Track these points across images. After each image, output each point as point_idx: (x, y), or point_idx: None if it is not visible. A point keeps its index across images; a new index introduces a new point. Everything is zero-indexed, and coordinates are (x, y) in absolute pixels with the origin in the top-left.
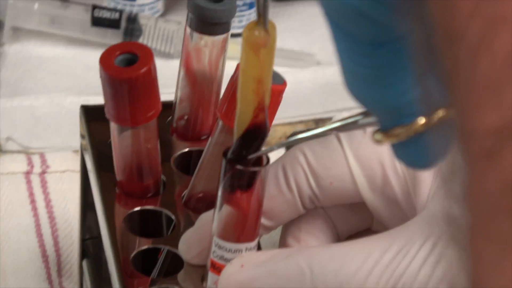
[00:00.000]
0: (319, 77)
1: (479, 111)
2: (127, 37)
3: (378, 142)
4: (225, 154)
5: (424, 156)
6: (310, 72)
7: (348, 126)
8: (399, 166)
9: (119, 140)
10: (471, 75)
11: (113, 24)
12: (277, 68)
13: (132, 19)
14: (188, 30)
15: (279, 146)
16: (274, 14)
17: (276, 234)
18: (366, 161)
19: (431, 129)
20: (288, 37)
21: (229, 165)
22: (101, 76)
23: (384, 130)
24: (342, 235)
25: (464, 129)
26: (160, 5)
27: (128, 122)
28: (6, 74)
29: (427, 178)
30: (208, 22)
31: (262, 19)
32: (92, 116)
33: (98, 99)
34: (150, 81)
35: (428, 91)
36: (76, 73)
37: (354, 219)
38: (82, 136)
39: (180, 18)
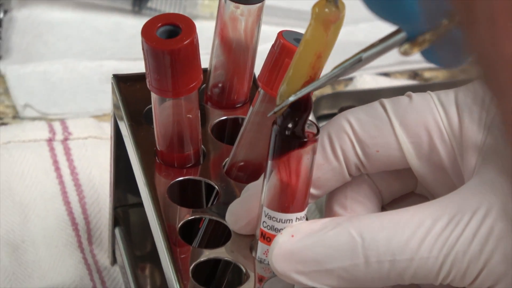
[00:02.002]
0: None
1: (506, 39)
2: (136, 1)
3: (405, 53)
4: (274, 124)
5: (453, 54)
6: None
7: (377, 49)
8: (446, 133)
9: (160, 111)
10: (489, 7)
11: None
12: (294, 29)
13: None
14: None
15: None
16: None
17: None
18: (412, 128)
19: (455, 28)
20: None
21: (280, 136)
22: (143, 48)
23: (410, 40)
24: (386, 200)
25: (492, 62)
26: None
27: (170, 94)
28: (16, 40)
29: (474, 145)
30: None
31: None
32: (124, 85)
33: (111, 64)
34: (193, 53)
35: None
36: (86, 37)
37: (398, 183)
38: (115, 105)
39: None
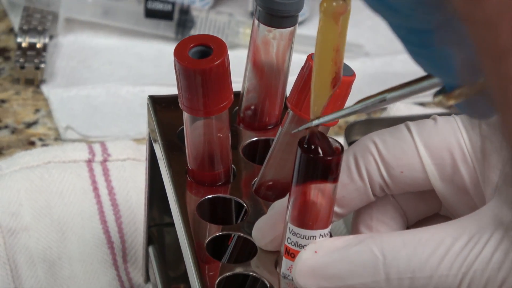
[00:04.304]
0: (368, 67)
1: None
2: (179, 29)
3: (440, 104)
4: (300, 143)
5: (485, 108)
6: (359, 63)
7: (406, 92)
8: (469, 155)
9: (192, 130)
10: None
11: (166, 15)
12: None
13: (185, 11)
14: (256, 22)
15: (344, 114)
16: None
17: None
18: (436, 150)
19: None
20: None
21: (304, 155)
22: (175, 68)
23: (445, 92)
24: (411, 221)
25: None
26: None
27: (201, 113)
28: (61, 64)
29: (496, 167)
30: (277, 15)
31: None
32: (160, 106)
33: (153, 89)
34: (224, 73)
35: None
36: (130, 63)
37: (423, 205)
38: (151, 126)
39: (230, 10)
